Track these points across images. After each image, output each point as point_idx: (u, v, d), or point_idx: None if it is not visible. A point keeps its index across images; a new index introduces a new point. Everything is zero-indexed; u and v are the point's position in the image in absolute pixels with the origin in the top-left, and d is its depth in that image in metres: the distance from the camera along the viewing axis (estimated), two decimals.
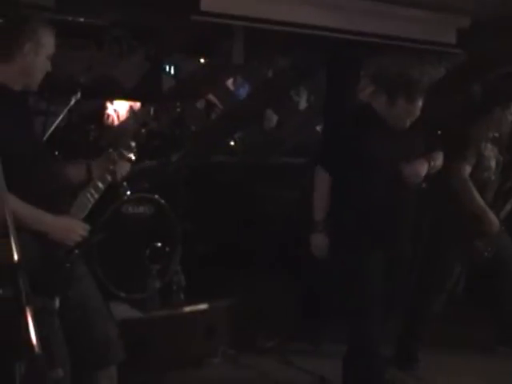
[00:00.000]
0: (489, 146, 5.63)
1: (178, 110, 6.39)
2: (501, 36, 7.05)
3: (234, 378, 5.52)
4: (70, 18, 6.26)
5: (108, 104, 6.79)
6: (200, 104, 8.38)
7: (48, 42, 3.37)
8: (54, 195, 3.34)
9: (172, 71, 8.15)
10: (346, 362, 4.94)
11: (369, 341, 4.78)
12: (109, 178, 3.59)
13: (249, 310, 5.98)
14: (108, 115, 6.86)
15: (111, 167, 3.62)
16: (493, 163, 5.66)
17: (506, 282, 5.91)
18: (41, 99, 5.76)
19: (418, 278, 5.55)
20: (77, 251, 3.32)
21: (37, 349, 2.09)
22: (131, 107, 7.06)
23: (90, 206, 3.47)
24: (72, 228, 3.32)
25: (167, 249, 5.83)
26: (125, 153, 3.71)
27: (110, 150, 3.69)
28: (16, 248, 2.14)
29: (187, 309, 5.66)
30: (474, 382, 5.49)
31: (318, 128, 9.07)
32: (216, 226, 7.05)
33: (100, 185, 3.55)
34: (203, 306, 5.70)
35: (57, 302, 3.18)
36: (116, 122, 7.23)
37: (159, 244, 5.76)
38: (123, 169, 3.72)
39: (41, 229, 3.19)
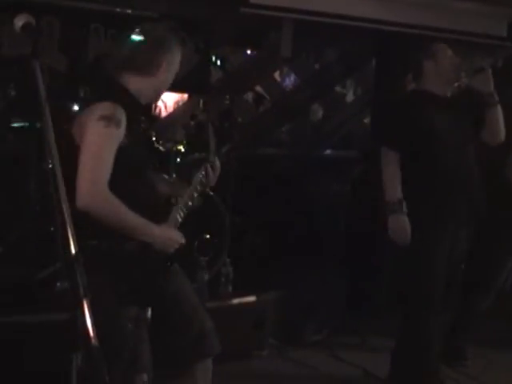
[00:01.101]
0: None
1: (227, 102, 6.38)
2: None
3: (281, 371, 5.53)
4: (119, 10, 6.31)
5: None
6: (248, 96, 8.37)
7: (178, 59, 3.47)
8: (155, 207, 3.39)
9: (219, 63, 8.15)
10: (395, 355, 4.89)
11: (427, 333, 4.70)
12: (196, 194, 3.63)
13: (297, 302, 5.98)
14: (156, 106, 6.88)
15: (204, 180, 3.67)
16: None
17: None
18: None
19: (467, 272, 5.46)
20: (172, 263, 3.42)
21: (93, 341, 2.10)
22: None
23: (180, 221, 3.51)
24: (174, 238, 3.38)
25: (215, 241, 5.85)
26: (216, 162, 3.72)
27: (196, 155, 3.74)
28: (73, 241, 2.15)
29: (235, 301, 5.68)
30: None
31: (366, 120, 9.04)
32: (264, 217, 7.05)
33: (190, 203, 3.58)
34: (251, 298, 5.71)
35: (149, 313, 3.28)
36: (164, 113, 7.26)
37: (208, 236, 5.79)
38: (213, 180, 3.74)
39: (148, 240, 3.25)
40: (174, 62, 3.44)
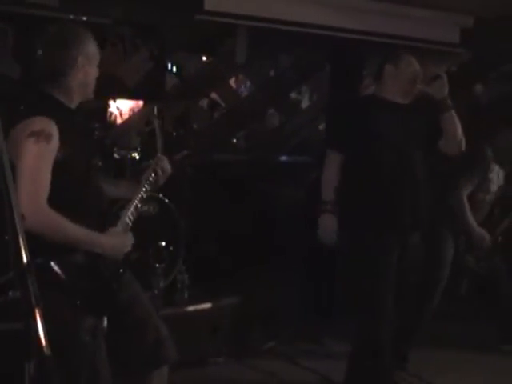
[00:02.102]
0: (496, 168, 5.68)
1: (182, 108, 6.38)
2: (504, 35, 7.05)
3: (237, 378, 5.52)
4: (73, 17, 6.27)
5: (111, 102, 6.78)
6: (203, 102, 8.38)
7: (95, 50, 3.40)
8: (101, 212, 3.38)
9: (175, 70, 8.15)
10: (351, 360, 4.91)
11: (378, 338, 4.72)
12: (145, 195, 3.60)
13: (253, 309, 5.98)
14: (111, 113, 6.85)
15: (151, 178, 3.64)
16: (493, 187, 5.72)
17: (502, 292, 6.07)
18: None
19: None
20: (122, 270, 3.36)
21: (46, 350, 2.08)
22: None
23: (130, 224, 3.48)
24: (122, 242, 3.36)
25: (171, 248, 5.83)
26: (164, 161, 3.70)
27: (151, 161, 3.71)
28: (25, 250, 2.14)
29: (191, 308, 5.67)
30: (478, 381, 5.49)
31: (321, 127, 9.08)
32: (220, 224, 7.05)
33: (139, 204, 3.55)
34: (207, 305, 5.70)
35: (105, 322, 3.26)
36: (119, 121, 7.23)
37: (163, 243, 5.77)
38: (162, 179, 3.71)
39: (97, 250, 3.22)
40: (91, 55, 3.36)
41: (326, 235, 4.69)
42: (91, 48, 3.38)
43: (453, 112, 4.68)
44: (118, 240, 3.36)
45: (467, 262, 5.76)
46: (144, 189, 3.61)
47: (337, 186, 4.69)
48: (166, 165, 3.71)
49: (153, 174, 3.66)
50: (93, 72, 3.40)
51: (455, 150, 4.82)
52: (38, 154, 3.09)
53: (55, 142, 3.12)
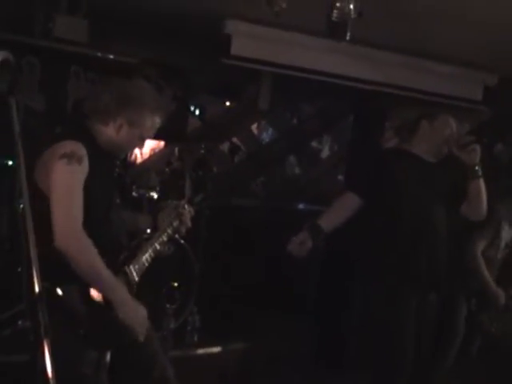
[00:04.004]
0: (506, 227, 5.66)
1: (202, 151, 6.40)
2: None
3: None
4: (100, 54, 6.34)
5: None
6: (224, 146, 8.41)
7: (146, 125, 3.39)
8: (117, 247, 3.40)
9: (197, 112, 8.19)
10: None
11: None
12: (165, 237, 3.61)
13: (263, 354, 5.94)
14: (132, 152, 6.88)
15: (175, 223, 3.65)
16: (502, 244, 5.69)
17: None
18: None
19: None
20: None
21: (52, 382, 2.07)
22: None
23: (146, 265, 3.48)
24: (138, 314, 3.28)
25: (183, 289, 5.82)
26: (188, 209, 3.71)
27: (170, 201, 3.71)
28: (37, 280, 2.14)
29: (200, 350, 5.64)
30: None
31: (340, 177, 9.09)
32: (234, 268, 7.03)
33: (158, 246, 3.56)
34: (216, 349, 5.67)
35: (108, 356, 3.24)
36: (139, 160, 7.26)
37: (176, 284, 5.76)
38: (185, 225, 3.71)
39: (113, 299, 3.16)
40: (138, 123, 3.37)
41: (294, 248, 4.52)
42: (140, 116, 3.36)
43: (481, 181, 4.64)
44: (136, 307, 3.28)
45: (481, 323, 5.70)
46: (167, 233, 3.62)
47: (339, 224, 4.65)
48: (191, 215, 3.72)
49: (177, 222, 3.66)
50: (130, 138, 3.40)
51: (477, 217, 4.80)
52: (72, 175, 3.11)
53: (86, 164, 3.14)
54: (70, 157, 3.10)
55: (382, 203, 4.59)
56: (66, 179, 3.10)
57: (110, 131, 3.35)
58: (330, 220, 4.64)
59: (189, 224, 3.69)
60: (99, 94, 3.42)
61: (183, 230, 3.70)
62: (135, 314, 3.25)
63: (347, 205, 4.65)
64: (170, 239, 3.68)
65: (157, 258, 3.67)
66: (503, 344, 6.03)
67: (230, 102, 8.30)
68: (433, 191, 4.61)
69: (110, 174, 3.54)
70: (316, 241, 4.56)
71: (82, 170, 3.13)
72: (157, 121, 3.43)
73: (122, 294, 3.20)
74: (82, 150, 3.15)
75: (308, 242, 4.54)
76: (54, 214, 2.99)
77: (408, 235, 4.55)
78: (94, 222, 3.23)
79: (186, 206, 3.70)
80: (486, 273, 5.53)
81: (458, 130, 4.70)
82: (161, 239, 3.58)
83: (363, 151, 6.81)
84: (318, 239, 4.58)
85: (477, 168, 4.58)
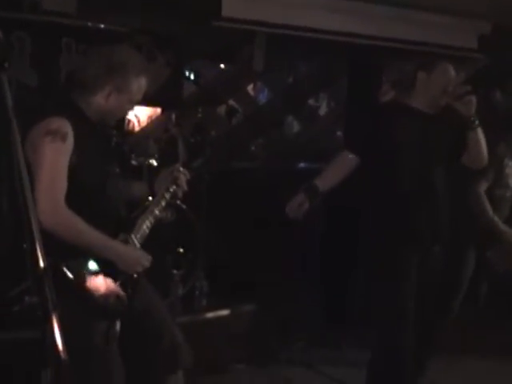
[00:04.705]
0: (510, 163, 5.64)
1: (199, 115, 6.37)
2: None
3: None
4: (91, 24, 6.28)
5: None
6: (221, 110, 8.38)
7: (132, 89, 3.40)
8: (117, 219, 3.42)
9: (192, 77, 8.15)
10: (371, 367, 4.88)
11: (400, 345, 4.69)
12: (164, 202, 3.61)
13: (272, 316, 5.97)
14: (129, 121, 6.86)
15: (172, 188, 3.65)
16: (511, 181, 5.67)
17: None
18: None
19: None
20: (137, 275, 3.39)
21: (62, 355, 2.08)
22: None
23: (147, 231, 3.50)
24: (138, 259, 3.38)
25: (190, 255, 5.83)
26: (183, 172, 3.70)
27: (171, 168, 3.70)
28: (41, 254, 2.14)
29: (209, 314, 5.66)
30: None
31: (338, 134, 9.06)
32: (238, 231, 7.03)
33: (156, 211, 3.56)
34: (225, 312, 5.69)
35: (118, 326, 3.25)
36: (137, 128, 7.24)
37: (182, 250, 5.77)
38: (182, 188, 3.71)
39: (110, 257, 3.25)
40: (126, 89, 3.38)
41: (293, 210, 4.59)
42: (127, 81, 3.38)
43: (479, 131, 4.63)
44: (134, 255, 3.37)
45: (490, 264, 5.70)
46: (164, 198, 3.62)
47: (336, 183, 4.66)
48: (187, 177, 3.72)
49: (174, 186, 3.66)
50: (120, 104, 3.42)
51: (478, 166, 4.80)
52: (55, 153, 3.14)
53: (71, 141, 3.16)
54: (55, 134, 3.11)
55: (380, 160, 4.59)
56: (50, 157, 3.12)
57: (98, 101, 3.36)
58: (327, 180, 4.66)
59: (185, 187, 3.70)
60: (85, 65, 3.42)
61: (180, 193, 3.71)
62: (136, 262, 3.35)
63: (344, 163, 4.66)
64: (169, 204, 3.68)
65: (160, 225, 3.68)
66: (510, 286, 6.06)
67: (225, 65, 8.25)
68: (433, 144, 4.60)
69: (103, 146, 3.52)
70: (313, 201, 4.59)
71: (66, 148, 3.15)
72: (143, 83, 3.44)
73: (117, 250, 3.28)
74: (66, 127, 3.16)
75: (305, 203, 4.56)
76: (37, 192, 3.01)
77: (408, 190, 4.56)
78: (92, 196, 3.25)
79: (181, 169, 3.69)
80: (491, 213, 5.52)
81: (455, 79, 4.68)
82: (159, 205, 3.59)
83: (360, 107, 6.78)
84: (315, 200, 4.61)
85: (473, 119, 4.57)
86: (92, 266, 3.20)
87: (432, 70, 4.63)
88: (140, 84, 3.42)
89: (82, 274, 3.13)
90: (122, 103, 3.42)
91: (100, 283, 3.21)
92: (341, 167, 4.67)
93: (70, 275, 3.05)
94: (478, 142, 4.64)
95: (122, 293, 3.28)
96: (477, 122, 4.59)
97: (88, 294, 3.13)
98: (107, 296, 3.21)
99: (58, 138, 3.12)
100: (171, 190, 3.65)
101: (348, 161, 4.65)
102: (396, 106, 4.79)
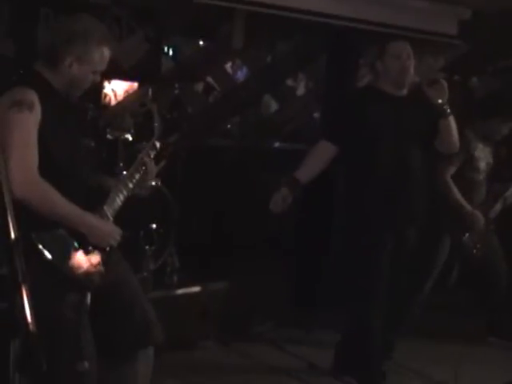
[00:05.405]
0: (480, 146, 5.69)
1: (176, 91, 6.35)
2: (501, 30, 7.05)
3: (225, 362, 5.54)
4: None
5: (106, 83, 6.75)
6: (198, 86, 8.35)
7: (94, 58, 3.36)
8: (88, 194, 3.39)
9: (171, 53, 8.12)
10: (340, 347, 4.94)
11: (370, 325, 4.77)
12: (137, 176, 3.60)
13: (243, 293, 5.99)
14: (105, 94, 6.82)
15: (142, 170, 3.64)
16: (482, 164, 5.73)
17: (493, 280, 6.12)
18: None
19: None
20: (109, 248, 3.38)
21: (31, 326, 2.08)
22: None
23: (120, 204, 3.50)
24: (110, 233, 3.38)
25: (162, 231, 5.82)
26: (151, 152, 3.69)
27: (140, 155, 3.68)
28: (13, 225, 2.13)
29: (180, 291, 5.67)
30: (465, 372, 5.48)
31: (315, 115, 9.06)
32: (212, 208, 7.04)
33: (130, 185, 3.56)
34: (196, 289, 5.70)
35: (88, 298, 3.25)
36: (113, 102, 7.20)
37: (154, 225, 5.76)
38: (153, 171, 3.71)
39: (82, 229, 3.24)
40: (87, 59, 3.34)
41: (277, 206, 4.74)
42: (87, 51, 3.34)
43: (450, 118, 4.68)
44: (106, 227, 3.37)
45: (463, 246, 5.75)
46: (137, 170, 3.61)
47: (316, 173, 4.73)
48: (152, 165, 3.70)
49: (146, 155, 3.66)
50: (82, 74, 3.38)
51: (449, 151, 4.87)
52: (23, 123, 3.11)
53: (38, 111, 3.13)
54: (20, 104, 3.09)
55: (357, 145, 4.63)
56: (19, 127, 3.10)
57: (61, 71, 3.32)
58: (307, 171, 4.78)
59: (153, 174, 3.70)
60: (47, 36, 3.40)
61: (153, 166, 3.70)
62: (108, 235, 3.35)
63: (323, 154, 4.75)
64: (143, 178, 3.66)
65: (134, 200, 3.67)
66: (481, 271, 6.11)
67: (204, 42, 8.22)
68: (407, 127, 4.65)
69: (74, 118, 3.51)
70: (295, 194, 4.66)
71: (33, 117, 3.13)
72: (106, 53, 3.40)
73: (89, 222, 3.27)
74: (31, 96, 3.14)
75: (289, 197, 4.62)
76: (9, 164, 2.98)
77: (384, 178, 4.61)
78: (62, 168, 3.24)
79: (150, 153, 3.67)
80: (459, 196, 5.59)
81: (410, 55, 4.70)
82: (132, 176, 3.58)
83: (337, 93, 6.80)
84: (297, 192, 4.68)
85: (445, 107, 4.61)
86: (74, 244, 3.21)
87: (384, 56, 4.69)
88: (102, 54, 3.39)
89: (62, 253, 3.13)
90: (85, 73, 3.37)
91: (82, 260, 3.21)
92: (320, 158, 4.76)
93: (48, 256, 3.05)
94: (449, 128, 4.70)
95: (102, 268, 3.28)
96: (448, 110, 4.64)
97: (70, 273, 3.14)
98: (90, 273, 3.22)
99: (25, 108, 3.10)
100: (145, 161, 3.64)
101: (327, 151, 4.73)
102: (370, 90, 4.85)
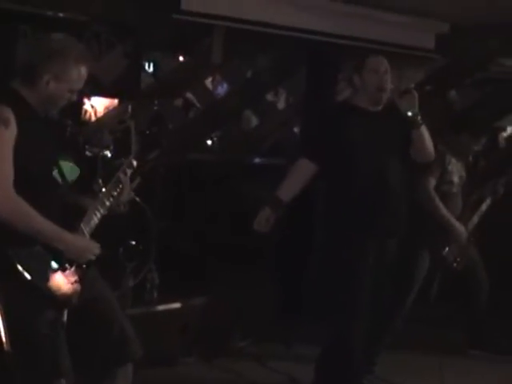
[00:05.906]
0: (453, 160, 5.73)
1: (156, 107, 6.35)
2: (478, 43, 7.11)
3: (206, 378, 5.53)
4: (50, 13, 6.23)
5: (85, 100, 6.74)
6: (178, 102, 8.35)
7: (72, 77, 3.36)
8: (65, 211, 3.38)
9: (151, 69, 8.12)
10: (321, 361, 4.93)
11: (351, 339, 4.77)
12: (115, 193, 3.60)
13: (223, 309, 5.98)
14: (85, 111, 6.81)
15: (123, 179, 3.64)
16: (455, 178, 5.76)
17: (474, 292, 6.16)
18: None
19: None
20: (86, 266, 3.36)
21: (6, 346, 2.07)
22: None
23: (96, 221, 3.49)
24: (88, 248, 3.37)
25: (141, 247, 5.81)
26: (127, 170, 3.68)
27: (123, 160, 3.68)
28: None
29: (160, 307, 5.65)
30: None
31: (296, 129, 9.07)
32: (191, 224, 7.02)
33: (107, 202, 3.55)
34: (176, 305, 5.69)
35: (65, 315, 3.24)
36: (93, 118, 7.19)
37: (133, 242, 5.75)
38: (128, 189, 3.70)
39: (59, 246, 3.23)
40: (64, 77, 3.33)
41: (261, 226, 4.76)
42: (65, 70, 3.33)
43: (422, 128, 4.71)
44: (83, 243, 3.37)
45: (444, 259, 5.77)
46: (113, 187, 3.61)
47: (298, 191, 4.76)
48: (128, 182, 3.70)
49: (123, 172, 3.65)
50: (59, 92, 3.37)
51: (424, 160, 4.90)
52: None
53: (13, 127, 3.12)
54: None
55: (336, 163, 4.66)
56: None
57: (38, 89, 3.32)
58: (289, 190, 4.82)
59: (129, 191, 3.70)
60: (25, 53, 3.40)
61: (129, 183, 3.69)
62: (84, 251, 3.34)
63: (303, 172, 4.79)
64: (119, 195, 3.65)
65: (113, 217, 3.66)
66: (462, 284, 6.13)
67: (184, 57, 8.22)
68: (382, 141, 4.68)
69: (51, 135, 3.50)
70: (278, 214, 4.73)
71: (9, 133, 3.12)
72: (83, 72, 3.40)
73: (65, 239, 3.25)
74: (7, 112, 3.13)
75: (271, 217, 4.68)
76: None
77: (364, 192, 4.63)
78: (37, 184, 3.24)
79: (127, 171, 3.67)
80: (445, 211, 5.61)
81: (388, 72, 4.74)
82: (109, 194, 3.57)
83: (316, 107, 6.83)
84: (280, 212, 4.69)
85: (416, 117, 4.64)
86: (53, 263, 3.20)
87: (362, 71, 4.73)
88: (80, 72, 3.38)
89: (40, 272, 3.13)
90: (62, 91, 3.37)
91: (61, 281, 3.21)
92: (301, 176, 4.80)
93: (27, 276, 3.04)
94: (422, 138, 4.74)
95: (78, 286, 3.28)
96: (420, 120, 4.66)
97: (49, 293, 3.13)
98: (68, 293, 3.22)
99: (0, 124, 3.09)
100: (122, 178, 3.63)
101: (307, 168, 4.77)
102: (346, 106, 4.89)
